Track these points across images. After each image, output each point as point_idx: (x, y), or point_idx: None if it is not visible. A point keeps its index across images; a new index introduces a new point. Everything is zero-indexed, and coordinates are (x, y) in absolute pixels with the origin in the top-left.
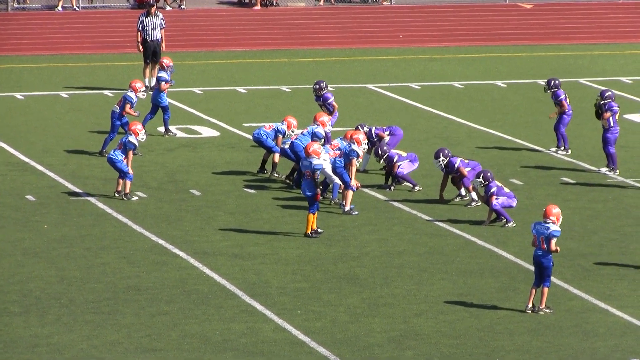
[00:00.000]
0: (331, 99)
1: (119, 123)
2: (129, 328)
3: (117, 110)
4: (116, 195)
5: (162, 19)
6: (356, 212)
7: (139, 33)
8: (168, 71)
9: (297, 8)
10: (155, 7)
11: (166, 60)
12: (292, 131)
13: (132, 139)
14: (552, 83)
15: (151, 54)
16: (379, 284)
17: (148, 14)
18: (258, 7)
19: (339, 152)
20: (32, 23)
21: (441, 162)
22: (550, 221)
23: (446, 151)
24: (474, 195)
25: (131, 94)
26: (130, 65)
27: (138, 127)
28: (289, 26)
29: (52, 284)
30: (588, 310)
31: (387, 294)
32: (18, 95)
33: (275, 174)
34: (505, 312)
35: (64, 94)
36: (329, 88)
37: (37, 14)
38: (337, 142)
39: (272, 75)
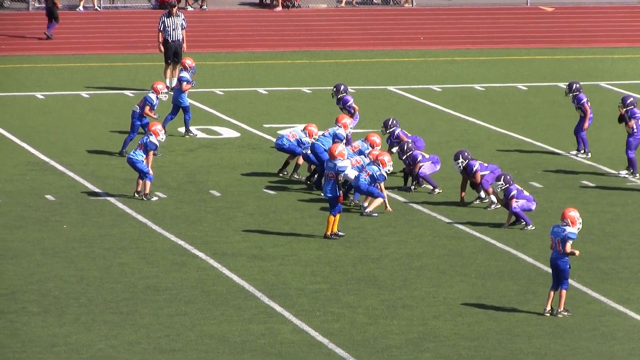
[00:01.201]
0: (350, 102)
1: (139, 123)
2: (147, 328)
3: (138, 111)
4: (136, 195)
5: (183, 19)
6: (375, 214)
7: (160, 33)
8: (190, 72)
9: (318, 9)
10: (176, 7)
11: (188, 61)
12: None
13: (152, 139)
14: (574, 87)
15: (172, 54)
16: (397, 285)
17: (169, 15)
18: (279, 8)
19: (366, 171)
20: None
21: (460, 164)
22: (565, 223)
23: (466, 153)
24: (493, 198)
25: (152, 96)
26: (151, 66)
27: (158, 127)
28: (310, 27)
29: (71, 284)
30: (606, 314)
31: (406, 295)
32: (39, 95)
33: (295, 175)
34: (524, 315)
35: (84, 94)
36: (348, 90)
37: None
38: (357, 144)
39: (292, 77)
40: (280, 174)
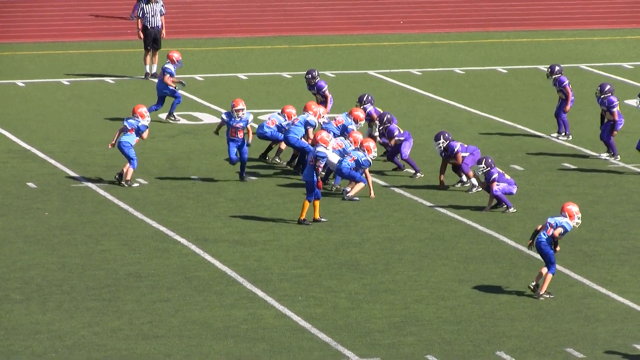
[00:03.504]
0: (325, 87)
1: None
2: (130, 315)
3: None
4: (117, 178)
5: (162, 5)
6: (357, 199)
7: (139, 20)
8: (175, 65)
9: None
10: None
11: (176, 55)
12: (293, 122)
13: (143, 122)
14: (555, 69)
15: (152, 41)
16: (380, 270)
17: (148, 1)
18: None
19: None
20: (33, 10)
21: (441, 145)
22: (563, 216)
23: (447, 134)
24: (474, 181)
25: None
26: (130, 52)
27: (143, 109)
28: (290, 13)
29: (53, 271)
30: (589, 296)
31: (388, 280)
32: (19, 83)
33: (277, 159)
34: (507, 298)
35: (65, 81)
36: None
37: (37, 1)
38: (341, 118)
39: (272, 62)
40: (265, 160)
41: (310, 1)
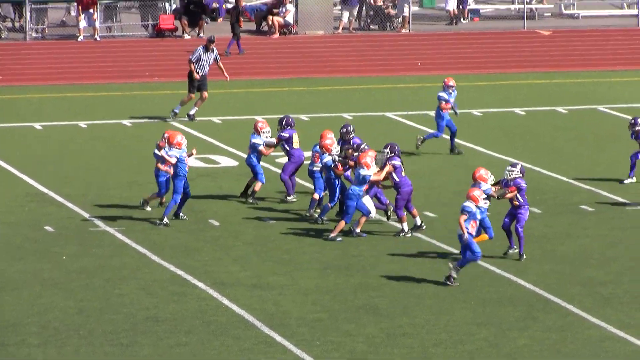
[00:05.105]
0: (364, 145)
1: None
2: (147, 359)
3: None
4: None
5: (217, 54)
6: (364, 235)
7: (192, 64)
8: (451, 91)
9: (315, 36)
10: (214, 42)
11: (451, 83)
12: (265, 132)
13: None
14: (638, 121)
15: (197, 86)
16: (397, 313)
17: (207, 49)
18: (277, 35)
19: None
20: (50, 53)
21: (514, 173)
22: None
23: (520, 166)
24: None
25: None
26: (148, 95)
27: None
28: (307, 54)
29: (71, 315)
30: (607, 339)
31: (406, 323)
32: (37, 126)
33: (250, 200)
34: (524, 342)
35: (82, 123)
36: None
37: (55, 44)
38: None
39: (290, 104)
40: (246, 200)
41: (327, 43)
